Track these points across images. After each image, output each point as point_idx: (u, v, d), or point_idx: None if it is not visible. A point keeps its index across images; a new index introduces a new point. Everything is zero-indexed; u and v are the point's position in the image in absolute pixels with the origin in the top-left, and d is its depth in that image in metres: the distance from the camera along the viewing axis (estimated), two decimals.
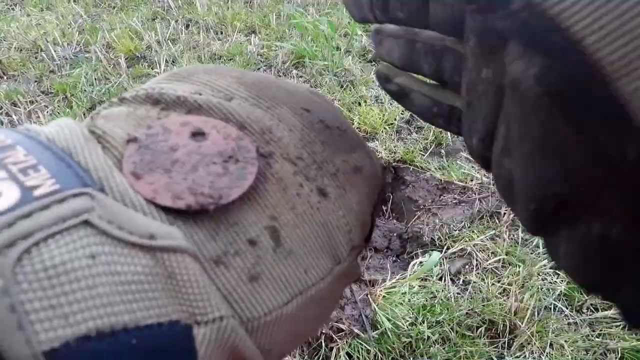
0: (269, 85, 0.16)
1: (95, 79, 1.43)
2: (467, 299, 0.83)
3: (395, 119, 1.22)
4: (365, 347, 0.75)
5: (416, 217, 1.00)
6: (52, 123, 0.13)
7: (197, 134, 0.14)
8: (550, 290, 0.87)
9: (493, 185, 1.00)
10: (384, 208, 1.04)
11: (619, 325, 0.82)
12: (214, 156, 0.13)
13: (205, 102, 0.15)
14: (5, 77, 1.46)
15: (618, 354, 0.78)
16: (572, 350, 0.78)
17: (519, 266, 0.88)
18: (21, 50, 1.56)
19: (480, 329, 0.80)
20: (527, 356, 0.78)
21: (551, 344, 0.80)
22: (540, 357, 0.78)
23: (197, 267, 0.11)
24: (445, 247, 0.93)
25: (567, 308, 0.85)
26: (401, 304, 0.82)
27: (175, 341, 0.11)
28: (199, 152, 0.13)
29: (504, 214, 0.98)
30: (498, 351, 0.79)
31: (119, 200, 0.11)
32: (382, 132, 1.19)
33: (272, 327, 0.12)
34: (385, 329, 0.77)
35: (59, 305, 0.09)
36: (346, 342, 0.76)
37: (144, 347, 0.10)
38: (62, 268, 0.09)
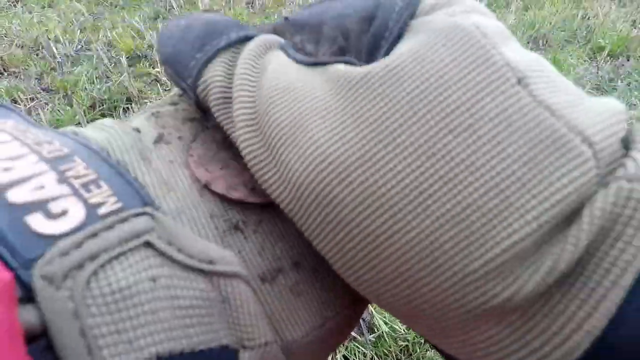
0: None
1: (96, 77, 1.43)
2: None
3: None
4: (362, 350, 0.76)
5: None
6: (99, 126, 0.13)
7: None
8: None
9: None
10: None
11: None
12: None
13: None
14: (6, 74, 1.46)
15: None
16: None
17: None
18: (22, 47, 1.56)
19: None
20: None
21: None
22: None
23: (249, 291, 0.11)
24: None
25: None
26: None
27: None
28: None
29: None
30: None
31: (175, 218, 0.11)
32: None
33: (305, 348, 0.12)
34: (382, 332, 0.78)
35: (124, 330, 0.09)
36: (343, 345, 0.76)
37: None
38: (127, 292, 0.09)
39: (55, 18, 1.71)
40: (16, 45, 1.56)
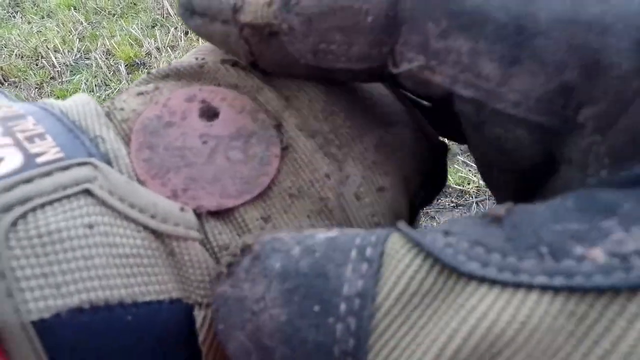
0: None
1: (95, 85, 1.44)
2: None
3: None
4: None
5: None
6: (70, 98, 0.13)
7: (207, 111, 0.12)
8: None
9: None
10: None
11: None
12: (231, 139, 0.12)
13: (210, 68, 0.13)
14: (6, 84, 1.48)
15: None
16: None
17: None
18: (22, 57, 1.58)
19: None
20: None
21: None
22: None
23: (203, 250, 0.11)
24: None
25: None
26: None
27: (175, 321, 0.10)
28: (212, 135, 0.12)
29: None
30: None
31: (124, 173, 0.11)
32: None
33: None
34: None
35: (52, 274, 0.09)
36: None
37: (141, 325, 0.10)
38: (57, 236, 0.09)
39: (54, 28, 1.73)
40: (16, 55, 1.57)
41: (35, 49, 1.60)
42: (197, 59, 0.14)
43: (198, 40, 1.65)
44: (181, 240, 0.10)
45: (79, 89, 1.41)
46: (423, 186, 0.14)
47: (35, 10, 1.86)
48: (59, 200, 0.09)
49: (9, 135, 0.10)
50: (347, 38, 0.11)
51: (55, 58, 1.55)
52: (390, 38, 0.10)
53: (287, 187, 0.12)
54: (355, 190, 0.12)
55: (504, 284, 0.07)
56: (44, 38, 1.66)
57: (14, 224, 0.09)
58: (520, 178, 0.11)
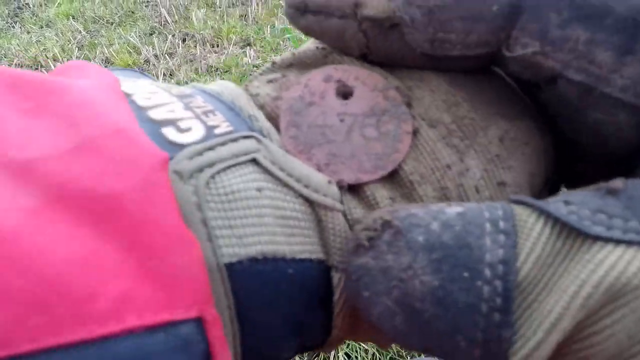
0: None
1: None
2: None
3: None
4: (363, 347, 0.77)
5: None
6: (213, 84, 0.14)
7: (343, 90, 0.13)
8: None
9: None
10: None
11: None
12: (365, 116, 0.13)
13: (335, 57, 0.14)
14: None
15: None
16: None
17: None
18: (22, 66, 1.59)
19: None
20: None
21: None
22: None
23: (344, 221, 0.12)
24: None
25: None
26: None
27: (319, 279, 0.11)
28: (348, 113, 0.13)
29: None
30: None
31: (281, 148, 0.12)
32: None
33: None
34: None
35: (236, 227, 0.10)
36: (345, 342, 0.78)
37: (298, 278, 0.11)
38: (237, 195, 0.10)
39: (53, 37, 1.75)
40: (15, 64, 1.59)
41: (35, 58, 1.62)
42: (317, 47, 0.15)
43: (196, 47, 1.67)
44: (328, 210, 0.12)
45: None
46: (546, 184, 0.14)
47: (34, 20, 1.88)
48: (234, 165, 0.11)
49: (189, 109, 0.12)
50: (468, 26, 0.11)
51: (55, 67, 1.56)
52: (509, 24, 0.11)
53: (410, 172, 0.12)
54: (475, 183, 0.12)
55: (629, 243, 0.09)
56: (43, 47, 1.68)
57: (207, 182, 0.10)
58: (607, 169, 0.12)
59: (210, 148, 0.11)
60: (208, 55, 1.65)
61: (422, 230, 0.10)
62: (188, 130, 0.11)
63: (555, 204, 0.10)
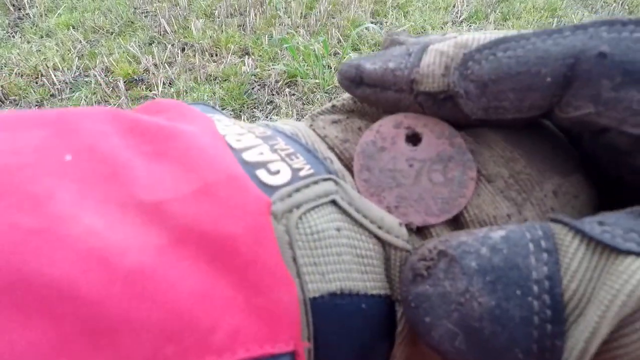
0: None
1: (95, 101, 1.48)
2: None
3: None
4: None
5: None
6: (281, 122, 0.15)
7: (412, 136, 0.14)
8: None
9: None
10: None
11: None
12: (432, 162, 0.13)
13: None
14: (7, 102, 1.51)
15: None
16: None
17: None
18: (22, 75, 1.61)
19: None
20: None
21: None
22: None
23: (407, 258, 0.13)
24: None
25: None
26: None
27: (385, 312, 0.12)
28: (417, 159, 0.14)
29: None
30: None
31: (354, 189, 0.13)
32: None
33: None
34: None
35: (319, 264, 0.11)
36: None
37: (369, 312, 0.12)
38: (320, 235, 0.11)
39: (54, 47, 1.77)
40: (16, 74, 1.61)
41: (35, 67, 1.63)
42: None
43: (195, 56, 1.70)
44: (398, 250, 0.12)
45: (79, 106, 1.44)
46: None
47: (35, 30, 1.90)
48: (317, 207, 0.12)
49: (275, 152, 0.13)
50: (521, 96, 0.12)
51: (55, 76, 1.59)
52: (562, 91, 0.12)
53: (473, 217, 0.13)
54: None
55: None
56: (43, 57, 1.70)
57: (296, 223, 0.11)
58: None
59: (297, 190, 0.12)
60: (207, 64, 1.67)
61: (474, 256, 0.11)
62: (277, 172, 0.12)
63: (590, 224, 0.11)
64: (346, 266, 0.11)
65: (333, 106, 0.16)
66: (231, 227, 0.10)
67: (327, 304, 0.11)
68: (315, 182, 0.12)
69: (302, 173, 0.12)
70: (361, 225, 0.12)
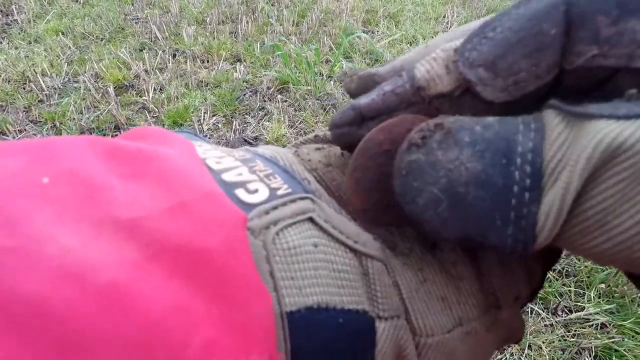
0: None
1: (84, 107, 1.46)
2: None
3: None
4: None
5: None
6: (262, 148, 0.16)
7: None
8: None
9: None
10: None
11: (592, 325, 0.86)
12: None
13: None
14: None
15: (592, 352, 0.82)
16: (549, 351, 0.82)
17: None
18: (9, 81, 1.59)
19: None
20: (508, 358, 0.82)
21: (530, 346, 0.83)
22: (520, 358, 0.82)
23: (385, 272, 0.13)
24: None
25: (543, 311, 0.90)
26: None
27: (364, 329, 0.12)
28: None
29: None
30: None
31: (331, 208, 0.13)
32: None
33: (432, 352, 0.13)
34: None
35: (296, 278, 0.11)
36: None
37: (345, 327, 0.12)
38: (298, 250, 0.12)
39: (42, 53, 1.75)
40: (3, 79, 1.59)
41: (23, 73, 1.61)
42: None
43: (186, 62, 1.69)
44: (375, 260, 0.13)
45: (68, 112, 1.43)
46: (552, 257, 0.16)
47: (23, 35, 1.88)
48: (294, 223, 0.12)
49: (253, 173, 0.13)
50: (534, 60, 0.12)
51: (44, 82, 1.57)
52: (566, 39, 0.12)
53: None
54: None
55: (628, 117, 0.10)
56: (31, 62, 1.68)
57: (273, 238, 0.12)
58: None
59: (275, 207, 0.12)
60: (198, 70, 1.67)
61: (468, 132, 0.12)
62: (256, 191, 0.12)
63: (575, 107, 0.11)
64: (323, 280, 0.12)
65: (316, 136, 0.17)
66: (206, 241, 0.10)
67: (304, 318, 0.11)
68: (293, 201, 0.13)
69: (279, 192, 0.13)
70: (338, 241, 0.13)
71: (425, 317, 0.13)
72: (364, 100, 0.14)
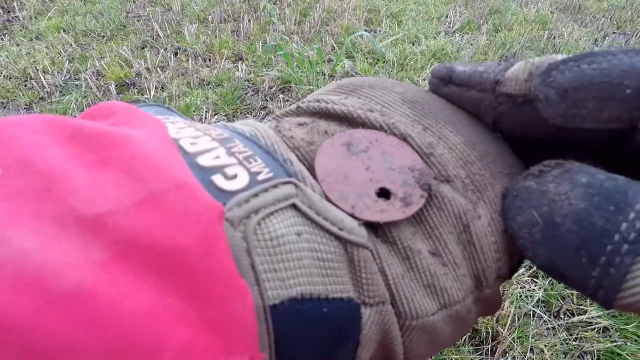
0: (431, 103, 0.16)
1: (85, 105, 1.46)
2: None
3: None
4: None
5: None
6: (240, 123, 0.15)
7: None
8: (529, 297, 0.91)
9: None
10: None
11: (594, 329, 0.86)
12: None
13: (376, 119, 0.15)
14: None
15: (594, 355, 0.82)
16: (551, 354, 0.82)
17: None
18: (10, 78, 1.58)
19: (464, 337, 0.83)
20: None
21: (532, 349, 0.83)
22: None
23: (371, 259, 0.13)
24: None
25: (545, 314, 0.89)
26: None
27: (349, 316, 0.12)
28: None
29: None
30: (482, 358, 0.82)
31: (315, 192, 0.13)
32: None
33: (416, 333, 0.13)
34: None
35: (279, 270, 0.11)
36: None
37: (330, 316, 0.11)
38: (279, 240, 0.11)
39: (43, 50, 1.75)
40: (4, 76, 1.58)
41: (24, 70, 1.61)
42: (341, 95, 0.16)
43: (187, 60, 1.69)
44: (361, 249, 0.12)
45: (69, 109, 1.42)
46: None
47: (24, 32, 1.88)
48: (276, 211, 0.12)
49: (232, 155, 0.12)
50: (600, 105, 0.12)
51: (45, 79, 1.56)
52: None
53: (430, 217, 0.14)
54: (484, 230, 0.14)
55: None
56: (33, 60, 1.67)
57: (254, 229, 0.11)
58: None
59: (255, 195, 0.11)
60: (200, 69, 1.66)
61: (589, 176, 0.12)
62: (234, 177, 0.12)
63: None
64: (307, 270, 0.11)
65: (298, 107, 0.16)
66: (179, 238, 0.10)
67: (287, 310, 0.11)
68: (275, 186, 0.12)
69: (260, 177, 0.12)
70: (322, 228, 0.12)
71: (410, 302, 0.13)
72: (460, 67, 0.16)
